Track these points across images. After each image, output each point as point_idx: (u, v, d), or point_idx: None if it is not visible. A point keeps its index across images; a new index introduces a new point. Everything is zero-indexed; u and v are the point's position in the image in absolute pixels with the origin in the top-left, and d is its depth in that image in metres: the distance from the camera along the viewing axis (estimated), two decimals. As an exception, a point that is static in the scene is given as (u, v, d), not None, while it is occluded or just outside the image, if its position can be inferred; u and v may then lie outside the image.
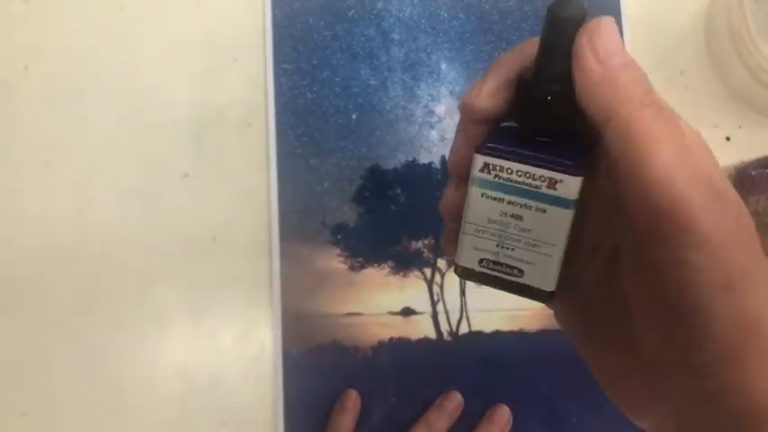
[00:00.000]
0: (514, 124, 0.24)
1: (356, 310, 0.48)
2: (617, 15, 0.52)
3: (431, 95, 0.51)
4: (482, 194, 0.23)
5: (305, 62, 0.50)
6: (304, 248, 0.48)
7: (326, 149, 0.50)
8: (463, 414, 0.47)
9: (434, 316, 0.49)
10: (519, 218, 0.23)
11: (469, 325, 0.49)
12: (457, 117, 0.53)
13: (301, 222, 0.49)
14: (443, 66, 0.51)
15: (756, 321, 0.19)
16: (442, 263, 0.49)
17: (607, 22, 0.21)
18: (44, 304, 0.47)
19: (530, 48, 0.23)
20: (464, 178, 0.24)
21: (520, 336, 0.48)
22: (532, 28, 0.52)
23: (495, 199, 0.23)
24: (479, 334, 0.49)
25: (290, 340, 0.47)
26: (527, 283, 0.24)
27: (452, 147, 0.25)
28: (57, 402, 0.46)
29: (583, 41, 0.21)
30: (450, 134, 0.51)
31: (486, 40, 0.52)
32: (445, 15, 0.52)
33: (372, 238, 0.49)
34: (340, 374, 0.47)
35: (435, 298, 0.49)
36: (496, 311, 0.49)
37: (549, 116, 0.22)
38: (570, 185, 0.22)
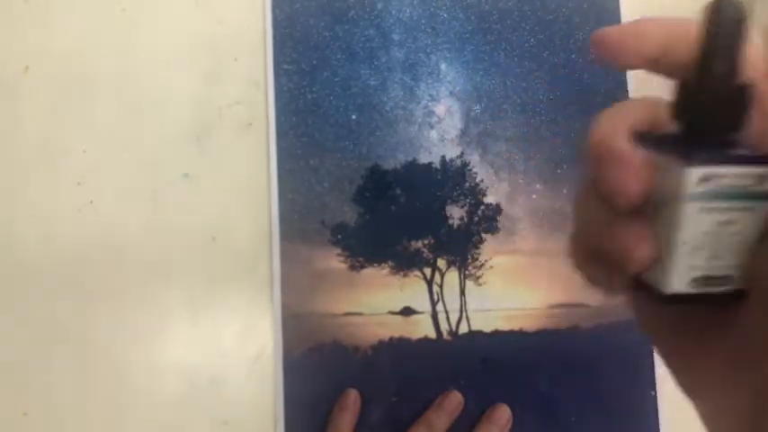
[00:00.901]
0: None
1: (356, 310, 0.48)
2: (616, 15, 0.52)
3: (430, 96, 0.51)
4: (699, 209, 0.22)
5: (305, 62, 0.50)
6: (304, 248, 0.48)
7: (326, 149, 0.50)
8: (463, 413, 0.47)
9: (434, 316, 0.49)
10: (731, 223, 0.22)
11: (469, 325, 0.49)
12: (456, 117, 0.53)
13: (301, 222, 0.49)
14: (443, 66, 0.51)
15: None
16: (441, 263, 0.49)
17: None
18: (45, 304, 0.47)
19: (675, 25, 0.23)
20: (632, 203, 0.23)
21: (519, 335, 0.49)
22: (532, 28, 0.52)
23: (711, 210, 0.22)
24: (479, 333, 0.49)
25: (290, 340, 0.47)
26: (735, 287, 0.23)
27: (617, 171, 0.23)
28: (58, 402, 0.47)
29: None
30: (450, 134, 0.51)
31: (485, 41, 0.52)
32: (445, 16, 0.52)
33: (372, 237, 0.49)
34: (340, 374, 0.47)
35: (435, 298, 0.49)
36: (496, 311, 0.49)
37: (719, 117, 0.22)
38: None
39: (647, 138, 0.23)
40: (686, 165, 0.22)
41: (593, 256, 0.24)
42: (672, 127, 0.23)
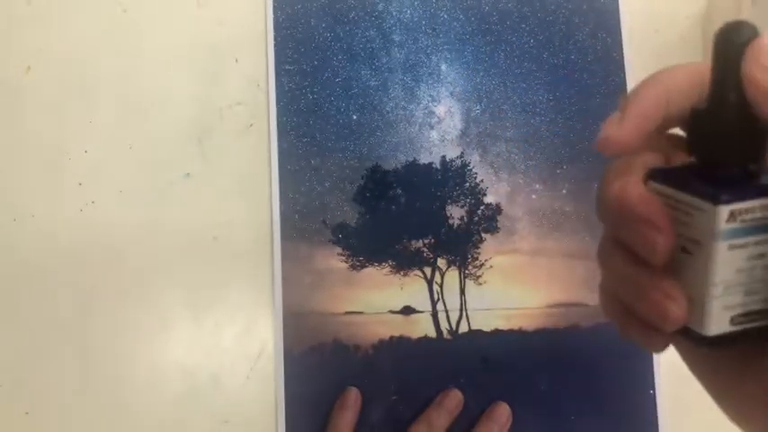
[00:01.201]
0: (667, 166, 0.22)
1: (357, 309, 0.48)
2: (616, 16, 0.53)
3: (431, 96, 0.51)
4: (729, 247, 0.21)
5: (306, 63, 0.51)
6: (305, 248, 0.49)
7: (327, 150, 0.50)
8: (463, 412, 0.47)
9: (434, 315, 0.49)
10: (763, 256, 0.21)
11: (469, 324, 0.49)
12: (457, 117, 0.53)
13: (302, 222, 0.49)
14: (443, 67, 0.52)
15: None
16: (442, 262, 0.50)
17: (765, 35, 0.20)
18: (47, 304, 0.47)
19: (671, 80, 0.22)
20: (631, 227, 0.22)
21: (519, 334, 0.49)
22: (532, 29, 0.52)
23: (741, 246, 0.21)
24: (479, 333, 0.49)
25: (291, 339, 0.48)
26: None
27: (628, 204, 0.22)
28: (59, 401, 0.47)
29: (747, 57, 0.20)
30: (450, 134, 0.51)
31: (485, 42, 0.52)
32: (445, 17, 0.52)
33: (373, 237, 0.49)
34: (341, 373, 0.48)
35: (435, 297, 0.49)
36: (496, 310, 0.49)
37: (737, 145, 0.21)
38: None
39: (662, 174, 0.22)
40: (714, 203, 0.20)
41: (627, 311, 0.23)
42: (686, 160, 0.22)
